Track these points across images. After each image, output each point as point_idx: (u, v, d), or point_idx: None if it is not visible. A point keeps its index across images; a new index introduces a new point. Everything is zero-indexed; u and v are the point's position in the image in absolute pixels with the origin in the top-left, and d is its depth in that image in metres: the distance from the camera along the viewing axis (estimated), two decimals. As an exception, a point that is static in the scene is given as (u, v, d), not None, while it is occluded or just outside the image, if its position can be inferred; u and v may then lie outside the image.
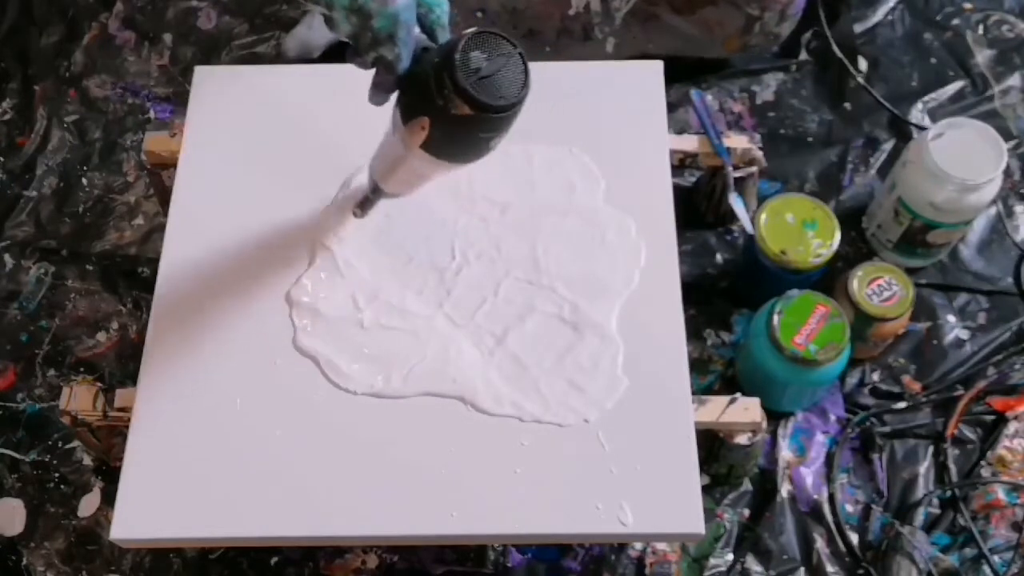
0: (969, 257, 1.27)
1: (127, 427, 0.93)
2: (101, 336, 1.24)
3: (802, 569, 1.10)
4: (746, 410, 0.99)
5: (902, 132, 1.35)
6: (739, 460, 1.08)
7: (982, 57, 1.41)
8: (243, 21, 1.46)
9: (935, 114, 1.36)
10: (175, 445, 0.91)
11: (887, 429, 1.16)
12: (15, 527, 1.13)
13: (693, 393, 0.94)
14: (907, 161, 1.16)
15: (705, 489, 1.00)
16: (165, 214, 1.06)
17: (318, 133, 1.06)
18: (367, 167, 0.95)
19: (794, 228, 1.14)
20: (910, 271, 1.18)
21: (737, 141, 1.16)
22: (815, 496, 1.13)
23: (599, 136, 1.06)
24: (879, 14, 1.44)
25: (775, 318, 1.06)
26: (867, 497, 1.13)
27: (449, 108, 0.78)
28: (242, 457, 0.91)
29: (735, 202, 1.16)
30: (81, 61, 1.43)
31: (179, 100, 1.39)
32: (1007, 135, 1.31)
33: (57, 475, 1.15)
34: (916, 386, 1.19)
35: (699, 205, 1.27)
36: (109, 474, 1.14)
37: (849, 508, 1.13)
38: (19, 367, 1.22)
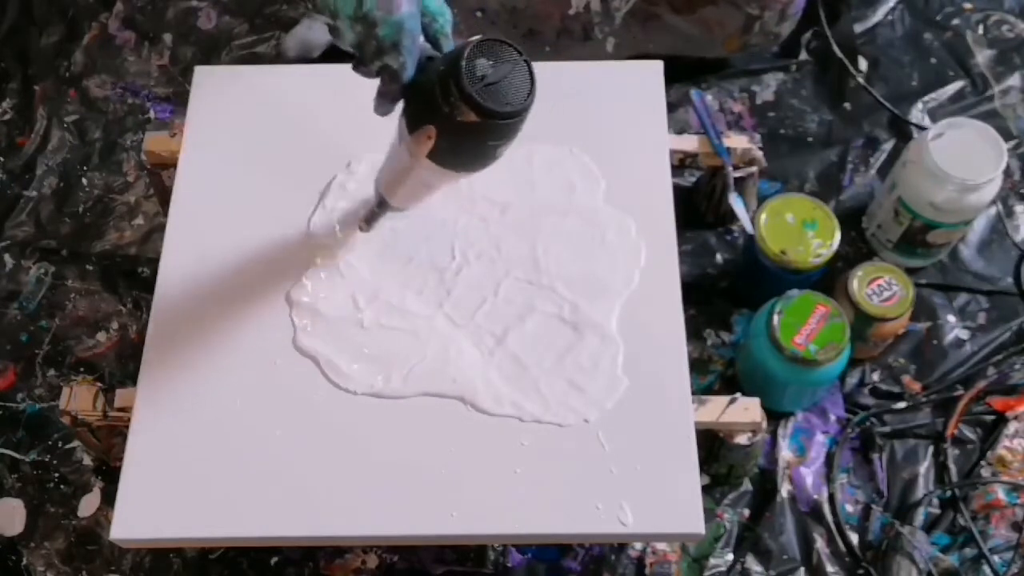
0: (969, 257, 1.27)
1: (127, 427, 0.93)
2: (101, 336, 1.24)
3: (802, 569, 1.10)
4: (746, 410, 0.99)
5: (902, 132, 1.35)
6: (739, 460, 1.08)
7: (982, 57, 1.41)
8: (243, 21, 1.46)
9: (935, 114, 1.36)
10: (175, 445, 0.91)
11: (887, 429, 1.16)
12: (15, 527, 1.13)
13: (693, 393, 0.94)
14: (907, 161, 1.16)
15: (705, 489, 1.00)
16: (165, 214, 1.06)
17: (318, 133, 1.06)
18: (371, 174, 0.94)
19: (794, 228, 1.14)
20: (910, 271, 1.18)
21: (737, 141, 1.16)
22: (815, 496, 1.13)
23: (599, 136, 1.06)
24: (879, 14, 1.44)
25: (775, 318, 1.06)
26: (867, 497, 1.13)
27: (455, 115, 0.78)
28: (242, 457, 0.91)
29: (735, 202, 1.16)
30: (81, 61, 1.43)
31: (179, 100, 1.39)
32: (1007, 135, 1.31)
33: (57, 475, 1.15)
34: (916, 386, 1.19)
35: (699, 205, 1.27)
36: (109, 474, 1.14)
37: (849, 508, 1.13)
38: (19, 367, 1.22)
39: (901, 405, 1.17)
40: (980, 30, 1.43)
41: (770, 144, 1.30)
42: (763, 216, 1.14)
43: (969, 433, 1.16)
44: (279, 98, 1.10)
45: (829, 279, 1.17)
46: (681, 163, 1.16)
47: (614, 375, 0.94)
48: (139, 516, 0.89)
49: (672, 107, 1.30)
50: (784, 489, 1.13)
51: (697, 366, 1.18)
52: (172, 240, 1.02)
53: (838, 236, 1.13)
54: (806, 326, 1.06)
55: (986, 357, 1.20)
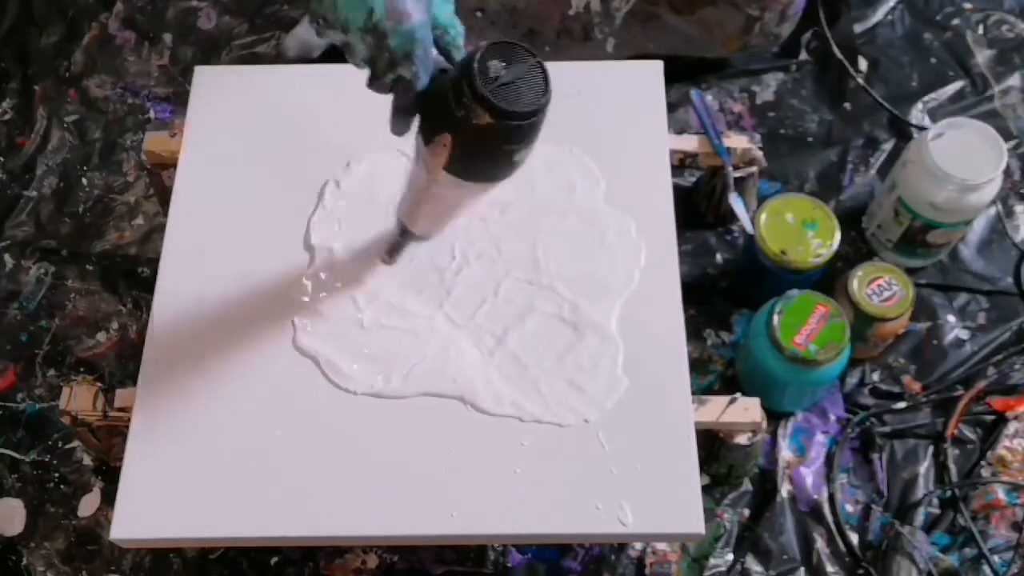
0: (969, 257, 1.27)
1: (127, 427, 0.93)
2: (101, 336, 1.24)
3: (802, 569, 1.10)
4: (746, 410, 0.99)
5: (902, 132, 1.35)
6: (739, 460, 1.08)
7: (982, 57, 1.41)
8: (243, 21, 1.46)
9: (935, 114, 1.36)
10: (175, 445, 0.91)
11: (887, 429, 1.16)
12: (15, 527, 1.13)
13: (693, 393, 0.94)
14: (907, 161, 1.16)
15: (705, 489, 1.00)
16: (165, 214, 1.06)
17: (318, 133, 1.06)
18: (394, 211, 0.94)
19: (794, 228, 1.14)
20: (910, 271, 1.18)
21: (737, 141, 1.16)
22: (815, 496, 1.13)
23: (599, 136, 1.06)
24: (879, 14, 1.44)
25: (775, 318, 1.06)
26: (867, 497, 1.13)
27: (470, 118, 0.77)
28: (242, 457, 0.91)
29: (735, 202, 1.16)
30: (81, 61, 1.43)
31: (179, 100, 1.39)
32: (1007, 135, 1.31)
33: (57, 475, 1.15)
34: (916, 386, 1.19)
35: (699, 205, 1.27)
36: (109, 474, 1.14)
37: (849, 508, 1.13)
38: (19, 367, 1.22)
39: (901, 405, 1.17)
40: (980, 30, 1.43)
41: (770, 144, 1.30)
42: (763, 216, 1.14)
43: (969, 433, 1.16)
44: (279, 98, 1.10)
45: (829, 279, 1.17)
46: (681, 163, 1.16)
47: (614, 375, 0.94)
48: (139, 516, 0.89)
49: (672, 107, 1.30)
50: (784, 489, 1.13)
51: (697, 366, 1.18)
52: (172, 240, 1.02)
53: (838, 236, 1.13)
54: (806, 326, 1.06)
55: (986, 357, 1.20)
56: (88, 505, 1.14)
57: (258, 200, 1.03)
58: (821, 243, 1.13)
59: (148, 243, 1.29)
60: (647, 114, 1.08)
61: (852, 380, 1.19)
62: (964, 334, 1.22)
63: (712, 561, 1.10)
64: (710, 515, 1.10)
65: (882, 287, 1.12)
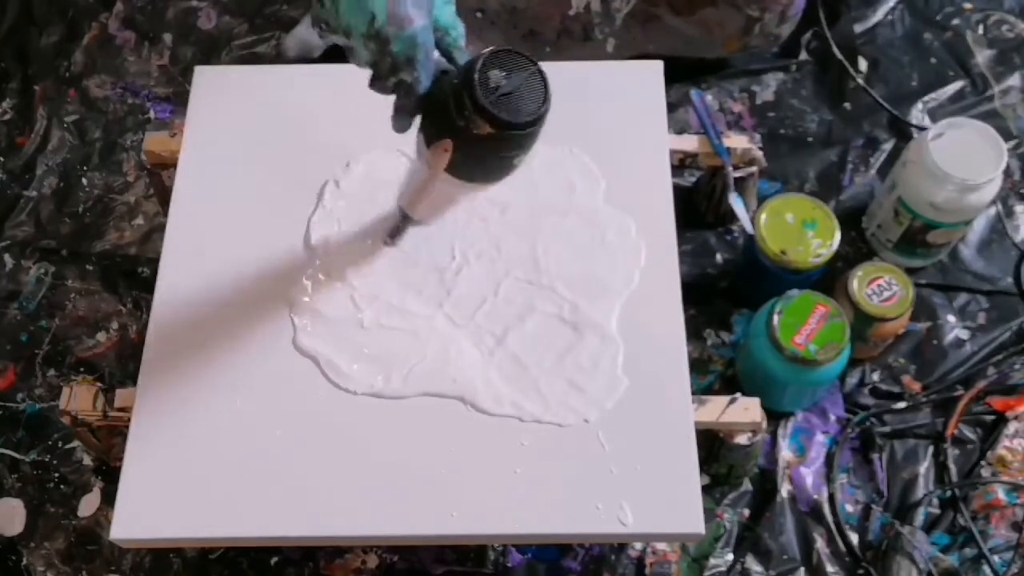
0: (969, 257, 1.27)
1: (127, 427, 0.93)
2: (101, 336, 1.24)
3: (802, 569, 1.10)
4: (746, 410, 0.99)
5: (902, 132, 1.35)
6: (739, 460, 1.08)
7: (982, 57, 1.41)
8: (243, 21, 1.46)
9: (935, 114, 1.36)
10: (175, 445, 0.91)
11: (887, 429, 1.16)
12: (15, 527, 1.13)
13: (693, 393, 0.94)
14: (907, 161, 1.16)
15: (705, 489, 1.00)
16: (165, 214, 1.06)
17: (318, 133, 1.06)
18: (396, 196, 0.95)
19: (794, 228, 1.14)
20: (910, 271, 1.18)
21: (737, 141, 1.16)
22: (815, 496, 1.13)
23: (599, 136, 1.06)
24: (879, 14, 1.44)
25: (775, 318, 1.06)
26: (867, 497, 1.13)
27: (471, 128, 0.78)
28: (242, 457, 0.91)
29: (735, 202, 1.16)
30: (81, 61, 1.43)
31: (179, 100, 1.39)
32: (1007, 135, 1.31)
33: (57, 475, 1.15)
34: (916, 386, 1.19)
35: (699, 205, 1.27)
36: (109, 474, 1.14)
37: (849, 508, 1.13)
38: (19, 367, 1.22)
39: (901, 405, 1.17)
40: (980, 30, 1.43)
41: (770, 144, 1.30)
42: (763, 216, 1.14)
43: (969, 433, 1.16)
44: (279, 98, 1.10)
45: (829, 279, 1.17)
46: (681, 163, 1.16)
47: (614, 375, 0.94)
48: (139, 516, 0.89)
49: (672, 107, 1.30)
50: (784, 489, 1.13)
51: (697, 366, 1.18)
52: (172, 240, 1.02)
53: (838, 236, 1.13)
54: (806, 326, 1.06)
55: (986, 357, 1.20)
56: (88, 505, 1.14)
57: (258, 200, 1.03)
58: (821, 243, 1.13)
59: (148, 243, 1.29)
60: (647, 114, 1.08)
61: (852, 380, 1.19)
62: (964, 334, 1.22)
63: (712, 561, 1.10)
64: (710, 515, 1.10)
65: (882, 287, 1.12)
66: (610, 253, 1.00)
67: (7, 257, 1.29)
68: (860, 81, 1.37)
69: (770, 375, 1.09)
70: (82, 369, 1.21)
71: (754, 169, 1.18)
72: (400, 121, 0.83)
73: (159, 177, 1.17)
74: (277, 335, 0.96)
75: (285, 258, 1.00)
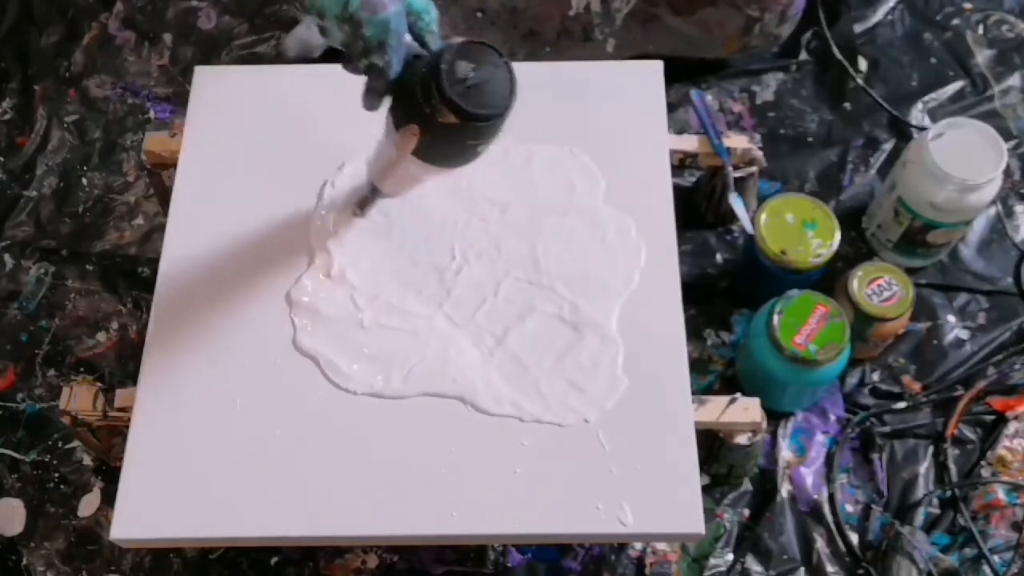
0: (969, 257, 1.27)
1: (127, 427, 0.93)
2: (101, 336, 1.24)
3: (802, 569, 1.10)
4: (746, 410, 0.99)
5: (902, 132, 1.35)
6: (739, 460, 1.08)
7: (982, 57, 1.41)
8: (243, 21, 1.46)
9: (935, 114, 1.36)
10: (175, 445, 0.91)
11: (887, 429, 1.16)
12: (15, 527, 1.13)
13: (693, 393, 0.94)
14: (907, 161, 1.16)
15: (705, 489, 1.00)
16: (165, 214, 1.06)
17: (318, 133, 1.06)
18: (365, 167, 0.96)
19: (794, 228, 1.14)
20: (910, 271, 1.18)
21: (737, 141, 1.16)
22: (815, 496, 1.13)
23: (599, 136, 1.06)
24: (879, 14, 1.44)
25: (775, 318, 1.06)
26: (867, 497, 1.13)
27: (436, 117, 0.80)
28: (242, 457, 0.91)
29: (735, 202, 1.16)
30: (81, 61, 1.43)
31: (179, 100, 1.39)
32: (1007, 135, 1.31)
33: (57, 475, 1.15)
34: (916, 386, 1.19)
35: (699, 205, 1.27)
36: (109, 474, 1.14)
37: (849, 508, 1.13)
38: (19, 367, 1.22)
39: (901, 405, 1.17)
40: (980, 30, 1.43)
41: (770, 144, 1.30)
42: (763, 216, 1.14)
43: (969, 433, 1.16)
44: (279, 98, 1.10)
45: (829, 279, 1.17)
46: (681, 163, 1.16)
47: (614, 375, 0.94)
48: (139, 516, 0.89)
49: (672, 107, 1.30)
50: (784, 489, 1.13)
51: (697, 366, 1.18)
52: (172, 240, 1.02)
53: (838, 236, 1.13)
54: (806, 326, 1.06)
55: (986, 357, 1.20)
56: (88, 505, 1.14)
57: (258, 200, 1.03)
58: (821, 243, 1.13)
59: (148, 243, 1.29)
60: (647, 114, 1.08)
61: (852, 380, 1.19)
62: (964, 334, 1.22)
63: (712, 561, 1.10)
64: (710, 515, 1.10)
65: (882, 287, 1.12)
66: (610, 253, 1.00)
67: (7, 257, 1.30)
68: (860, 81, 1.37)
69: (770, 375, 1.09)
70: (82, 369, 1.21)
71: (754, 169, 1.18)
72: (370, 101, 0.84)
73: (159, 177, 1.17)
74: (277, 335, 0.96)
75: (285, 258, 1.00)
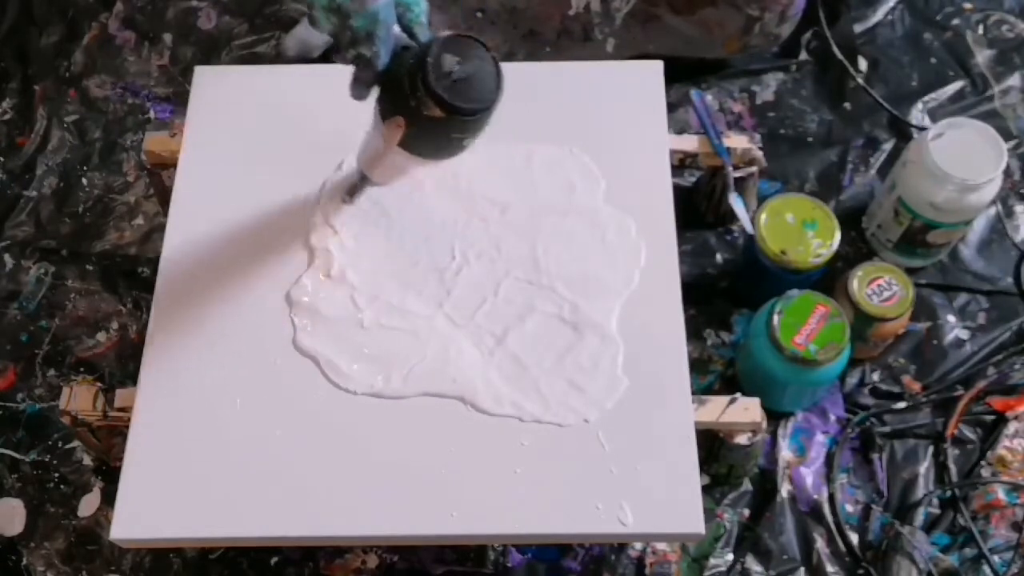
0: (969, 257, 1.27)
1: (127, 427, 0.93)
2: (101, 336, 1.24)
3: (802, 569, 1.10)
4: (746, 410, 0.99)
5: (902, 132, 1.35)
6: (739, 460, 1.08)
7: (982, 57, 1.41)
8: (243, 21, 1.46)
9: (935, 114, 1.36)
10: (175, 445, 0.91)
11: (887, 429, 1.16)
12: (15, 527, 1.13)
13: (693, 393, 0.94)
14: (907, 161, 1.16)
15: (705, 489, 1.00)
16: (165, 214, 1.06)
17: (318, 133, 1.06)
18: (355, 155, 0.97)
19: (794, 228, 1.14)
20: (910, 271, 1.18)
21: (737, 141, 1.16)
22: (815, 496, 1.13)
23: (599, 136, 1.06)
24: (879, 14, 1.44)
25: (775, 318, 1.06)
26: (867, 497, 1.13)
27: (422, 110, 0.80)
28: (242, 457, 0.91)
29: (735, 202, 1.16)
30: (81, 61, 1.43)
31: (179, 100, 1.39)
32: (1007, 135, 1.31)
33: (57, 475, 1.15)
34: (916, 386, 1.19)
35: (699, 205, 1.27)
36: (109, 474, 1.14)
37: (849, 508, 1.13)
38: (19, 367, 1.22)
39: (901, 405, 1.17)
40: (980, 30, 1.43)
41: (770, 144, 1.30)
42: (763, 216, 1.14)
43: (969, 433, 1.16)
44: (279, 98, 1.10)
45: (829, 279, 1.17)
46: (681, 163, 1.16)
47: (614, 375, 0.94)
48: (139, 516, 0.89)
49: (672, 107, 1.30)
50: (784, 489, 1.13)
51: (697, 366, 1.18)
52: (172, 240, 1.02)
53: (838, 236, 1.13)
54: (806, 326, 1.06)
55: (986, 357, 1.20)
56: (88, 505, 1.14)
57: (258, 200, 1.03)
58: (821, 243, 1.13)
59: (148, 243, 1.29)
60: (647, 114, 1.08)
61: (852, 380, 1.19)
62: (964, 334, 1.22)
63: (712, 561, 1.10)
64: (710, 515, 1.10)
65: (882, 287, 1.12)
66: (610, 253, 1.00)
67: (7, 257, 1.30)
68: (860, 81, 1.37)
69: (770, 375, 1.09)
70: (82, 369, 1.21)
71: (754, 169, 1.18)
72: (358, 91, 0.84)
73: (159, 177, 1.17)
74: (277, 335, 0.96)
75: (285, 258, 1.00)
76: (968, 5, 1.45)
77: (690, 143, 1.15)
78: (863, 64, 1.40)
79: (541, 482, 0.89)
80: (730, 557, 1.10)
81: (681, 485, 0.89)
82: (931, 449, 1.15)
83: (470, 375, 0.94)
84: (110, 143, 1.37)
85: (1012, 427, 1.15)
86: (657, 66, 1.12)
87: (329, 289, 0.98)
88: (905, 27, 1.43)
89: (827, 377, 1.09)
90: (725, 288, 1.25)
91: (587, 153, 1.05)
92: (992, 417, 1.17)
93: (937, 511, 1.12)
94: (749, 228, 1.15)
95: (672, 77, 1.14)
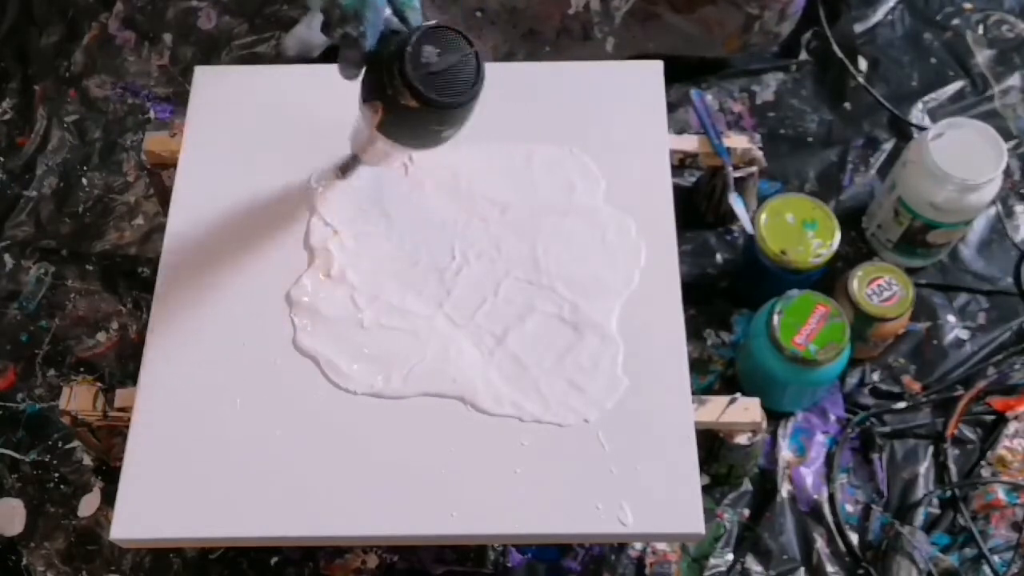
0: (969, 257, 1.27)
1: (127, 427, 0.93)
2: (101, 336, 1.24)
3: (802, 569, 1.10)
4: (746, 410, 0.99)
5: (902, 132, 1.35)
6: (739, 460, 1.08)
7: (982, 57, 1.41)
8: (243, 21, 1.46)
9: (935, 114, 1.36)
10: (175, 445, 0.91)
11: (887, 429, 1.16)
12: (15, 527, 1.13)
13: (693, 393, 0.94)
14: (907, 161, 1.16)
15: (705, 489, 1.00)
16: (165, 214, 1.06)
17: (318, 133, 1.06)
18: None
19: (794, 228, 1.14)
20: (910, 271, 1.18)
21: (737, 141, 1.16)
22: (815, 496, 1.13)
23: (599, 136, 1.06)
24: (879, 14, 1.44)
25: (775, 318, 1.06)
26: (867, 497, 1.13)
27: (398, 98, 0.80)
28: (242, 457, 0.91)
29: (735, 202, 1.16)
30: (81, 61, 1.43)
31: (179, 100, 1.39)
32: (1007, 135, 1.31)
33: (57, 475, 1.15)
34: (916, 386, 1.19)
35: (699, 205, 1.27)
36: (109, 474, 1.14)
37: (849, 508, 1.13)
38: (19, 367, 1.22)
39: (901, 405, 1.17)
40: (980, 30, 1.43)
41: (770, 144, 1.30)
42: (763, 216, 1.14)
43: (969, 433, 1.16)
44: (279, 98, 1.10)
45: (829, 279, 1.17)
46: (681, 163, 1.16)
47: (614, 375, 0.94)
48: (139, 516, 0.89)
49: (672, 107, 1.30)
50: (784, 489, 1.13)
51: (697, 366, 1.18)
52: (172, 240, 1.02)
53: (838, 236, 1.13)
54: (806, 326, 1.06)
55: (986, 357, 1.20)
56: (88, 505, 1.14)
57: (258, 200, 1.03)
58: (821, 243, 1.13)
59: (148, 243, 1.29)
60: (647, 114, 1.08)
61: (852, 380, 1.19)
62: (964, 334, 1.22)
63: (712, 561, 1.10)
64: (710, 515, 1.10)
65: (882, 287, 1.12)
66: (610, 253, 1.00)
67: (7, 257, 1.30)
68: (860, 81, 1.37)
69: (770, 375, 1.09)
70: (82, 369, 1.21)
71: (754, 169, 1.18)
72: (346, 70, 0.85)
73: (159, 177, 1.17)
74: (277, 335, 0.96)
75: (285, 258, 1.00)
76: (968, 5, 1.45)
77: (690, 143, 1.15)
78: (863, 64, 1.40)
79: (541, 482, 0.89)
80: (730, 557, 1.10)
81: (681, 485, 0.89)
82: (931, 449, 1.15)
83: (470, 375, 0.94)
84: (110, 143, 1.37)
85: (1012, 427, 1.15)
86: (657, 66, 1.12)
87: (329, 289, 0.98)
88: (905, 27, 1.43)
89: (827, 377, 1.09)
90: (725, 288, 1.25)
91: (587, 153, 1.05)
92: (992, 417, 1.17)
93: (937, 511, 1.12)
94: (749, 228, 1.15)
95: (672, 77, 1.14)
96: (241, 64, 1.41)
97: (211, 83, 1.11)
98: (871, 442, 1.15)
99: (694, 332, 1.19)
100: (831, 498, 1.12)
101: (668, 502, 0.88)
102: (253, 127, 1.08)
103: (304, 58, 1.38)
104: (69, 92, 1.41)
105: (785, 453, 1.15)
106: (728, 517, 1.12)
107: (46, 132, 1.38)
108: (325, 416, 0.92)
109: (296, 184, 1.04)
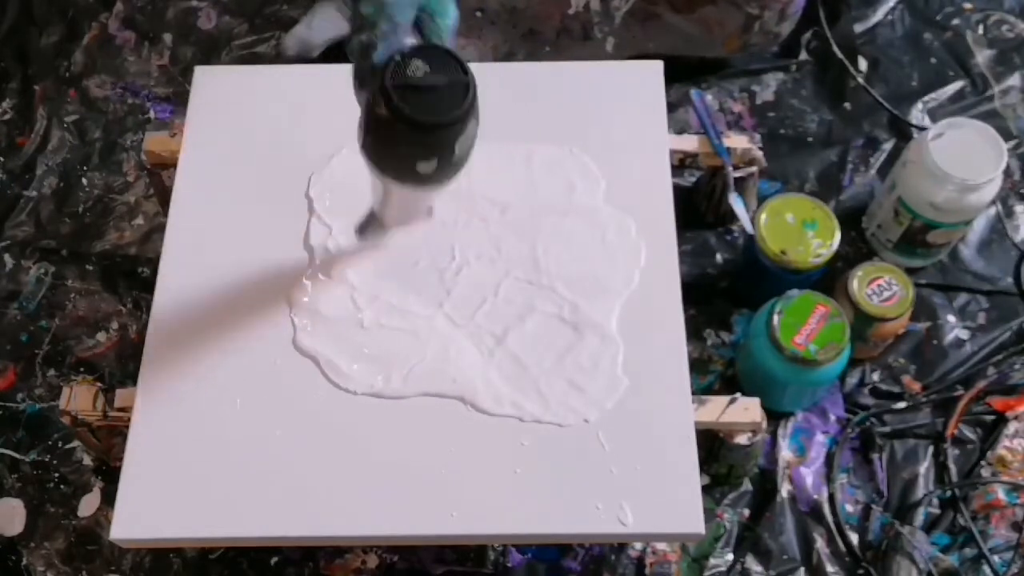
0: (969, 257, 1.27)
1: (127, 427, 0.93)
2: (101, 336, 1.24)
3: (802, 569, 1.10)
4: (746, 410, 0.99)
5: (902, 132, 1.35)
6: (739, 460, 1.08)
7: (982, 57, 1.41)
8: (243, 21, 1.46)
9: (935, 114, 1.36)
10: (175, 445, 0.91)
11: (887, 429, 1.16)
12: (15, 527, 1.13)
13: (693, 393, 0.94)
14: (907, 161, 1.16)
15: (705, 489, 1.00)
16: (165, 214, 1.06)
17: (318, 133, 1.06)
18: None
19: (794, 228, 1.14)
20: (910, 271, 1.18)
21: (737, 141, 1.16)
22: (815, 496, 1.13)
23: (599, 136, 1.06)
24: (879, 14, 1.44)
25: (775, 318, 1.06)
26: (867, 497, 1.13)
27: (374, 107, 0.76)
28: (242, 457, 0.91)
29: (735, 202, 1.16)
30: (81, 61, 1.43)
31: (179, 100, 1.39)
32: (1007, 135, 1.31)
33: (57, 475, 1.15)
34: (916, 386, 1.19)
35: (699, 205, 1.27)
36: (109, 474, 1.14)
37: (849, 508, 1.13)
38: (19, 367, 1.22)
39: (901, 405, 1.17)
40: (980, 30, 1.43)
41: (770, 144, 1.30)
42: (763, 216, 1.14)
43: (969, 433, 1.16)
44: (279, 98, 1.10)
45: (829, 279, 1.17)
46: (681, 163, 1.16)
47: (614, 375, 0.94)
48: (139, 516, 0.89)
49: (672, 107, 1.30)
50: (784, 489, 1.13)
51: (697, 366, 1.18)
52: (172, 240, 1.02)
53: (838, 236, 1.13)
54: (806, 326, 1.06)
55: (986, 357, 1.20)
56: (88, 505, 1.14)
57: (258, 200, 1.03)
58: (821, 243, 1.13)
59: (148, 243, 1.29)
60: (647, 114, 1.08)
61: (852, 380, 1.19)
62: (964, 334, 1.22)
63: (712, 561, 1.10)
64: (710, 515, 1.10)
65: (882, 287, 1.12)
66: (610, 253, 1.00)
67: (7, 257, 1.29)
68: (860, 81, 1.37)
69: (770, 375, 1.09)
70: (82, 369, 1.21)
71: (754, 169, 1.18)
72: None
73: (159, 177, 1.17)
74: (277, 335, 0.96)
75: (285, 258, 1.00)
76: (968, 5, 1.45)
77: (690, 143, 1.15)
78: (863, 64, 1.40)
79: (541, 482, 0.89)
80: (730, 557, 1.10)
81: (681, 485, 0.89)
82: (931, 449, 1.15)
83: (470, 375, 0.94)
84: (110, 143, 1.37)
85: (1012, 427, 1.15)
86: (657, 66, 1.12)
87: (329, 289, 0.98)
88: (905, 27, 1.43)
89: (827, 377, 1.09)
90: (725, 288, 1.25)
91: (587, 153, 1.05)
92: (992, 417, 1.17)
93: (937, 511, 1.12)
94: (749, 228, 1.15)
95: (672, 77, 1.14)
96: (241, 64, 1.41)
97: (211, 83, 1.11)
98: (871, 442, 1.15)
99: (694, 332, 1.19)
100: (831, 498, 1.12)
101: (668, 502, 0.88)
102: (253, 127, 1.08)
103: (304, 58, 1.38)
104: (69, 92, 1.41)
105: (785, 453, 1.15)
106: (728, 517, 1.12)
107: (46, 132, 1.38)
108: (325, 416, 0.93)
109: (296, 184, 1.04)
